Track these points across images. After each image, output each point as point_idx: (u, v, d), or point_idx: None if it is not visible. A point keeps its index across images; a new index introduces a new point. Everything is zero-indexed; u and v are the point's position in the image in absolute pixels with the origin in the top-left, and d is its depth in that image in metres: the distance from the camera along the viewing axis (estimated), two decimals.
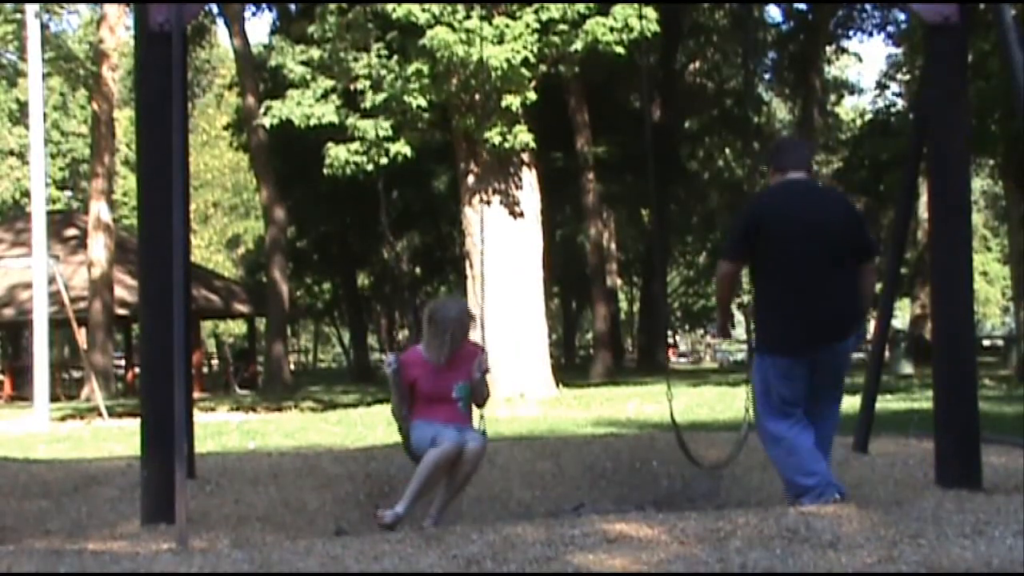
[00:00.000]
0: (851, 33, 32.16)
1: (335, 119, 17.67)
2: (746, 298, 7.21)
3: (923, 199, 16.51)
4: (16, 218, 32.24)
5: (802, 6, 29.56)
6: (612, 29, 16.02)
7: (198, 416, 10.04)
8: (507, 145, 16.91)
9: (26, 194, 30.05)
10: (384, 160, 17.29)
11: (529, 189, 18.13)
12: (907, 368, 21.53)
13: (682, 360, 45.57)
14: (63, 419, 16.73)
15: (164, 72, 5.15)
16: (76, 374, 28.67)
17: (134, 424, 7.36)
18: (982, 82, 17.56)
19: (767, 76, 35.21)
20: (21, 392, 24.49)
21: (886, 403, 11.19)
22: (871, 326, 7.62)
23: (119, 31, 25.74)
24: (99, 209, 25.23)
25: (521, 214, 17.93)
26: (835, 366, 5.26)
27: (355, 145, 17.60)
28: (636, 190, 27.48)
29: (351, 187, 21.20)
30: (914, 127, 7.25)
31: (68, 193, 43.49)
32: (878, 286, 7.58)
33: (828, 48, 32.14)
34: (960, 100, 5.86)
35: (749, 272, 5.40)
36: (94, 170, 26.08)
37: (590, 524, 4.06)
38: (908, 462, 6.39)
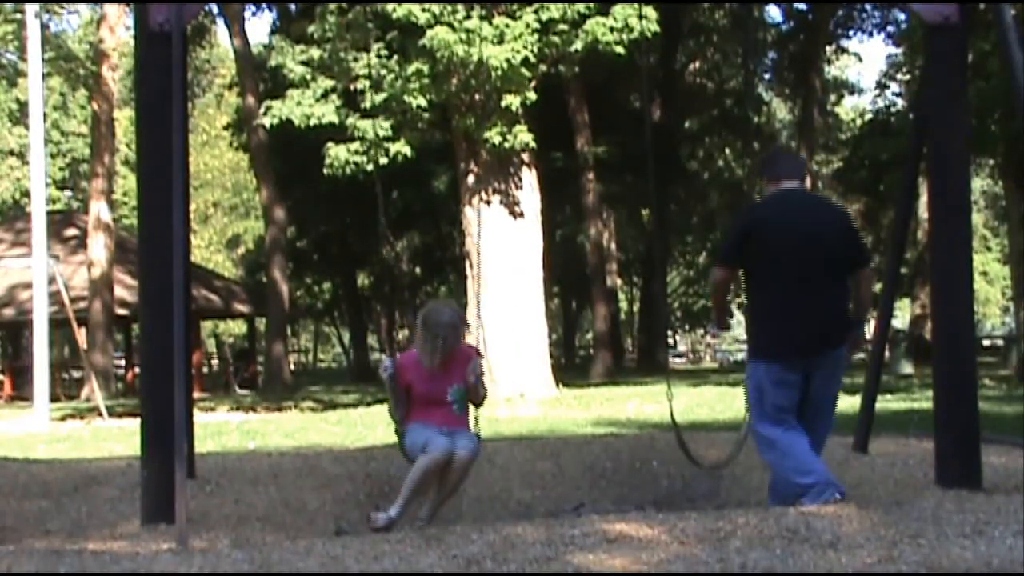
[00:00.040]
0: (851, 33, 32.17)
1: (335, 119, 17.67)
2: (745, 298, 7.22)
3: (923, 199, 16.52)
4: (16, 218, 32.24)
5: (802, 6, 29.57)
6: (612, 29, 16.03)
7: (198, 416, 10.04)
8: (507, 145, 16.91)
9: (26, 194, 30.06)
10: (384, 160, 17.29)
11: (529, 189, 18.13)
12: (907, 368, 21.53)
13: (677, 360, 45.57)
14: (63, 419, 16.72)
15: (164, 72, 5.15)
16: (76, 374, 28.67)
17: (134, 424, 7.36)
18: (982, 82, 17.56)
19: (767, 76, 35.22)
20: (21, 392, 24.49)
21: (886, 403, 11.19)
22: (871, 326, 7.62)
23: (119, 31, 25.74)
24: (99, 209, 25.23)
25: (521, 214, 17.93)
26: (828, 373, 5.30)
27: (355, 145, 17.61)
28: (636, 190, 27.48)
29: (351, 187, 21.20)
30: (914, 127, 7.24)
31: (68, 193, 43.50)
32: (878, 286, 7.58)
33: (828, 48, 32.14)
34: (960, 100, 5.86)
35: (744, 279, 5.43)
36: (94, 170, 26.08)
37: (590, 524, 4.06)
38: (908, 462, 6.39)
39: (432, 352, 5.60)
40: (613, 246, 33.29)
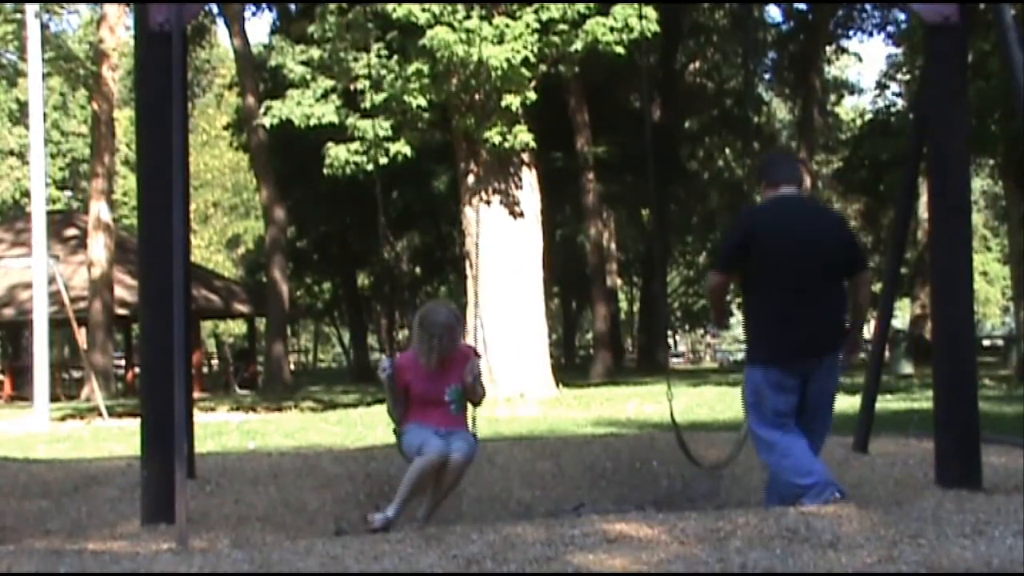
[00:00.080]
0: (851, 33, 32.18)
1: (335, 119, 17.68)
2: (742, 303, 7.24)
3: (923, 199, 16.51)
4: (16, 218, 32.24)
5: (802, 6, 29.58)
6: (612, 29, 16.03)
7: (198, 416, 10.04)
8: (507, 145, 16.91)
9: (26, 194, 30.06)
10: (384, 160, 17.29)
11: (529, 189, 18.13)
12: (907, 368, 21.54)
13: (675, 360, 45.57)
14: (63, 419, 16.72)
15: (164, 72, 5.15)
16: (76, 374, 28.67)
17: (134, 424, 7.36)
18: (982, 82, 17.56)
19: (767, 76, 35.24)
20: (21, 392, 24.49)
21: (886, 403, 11.19)
22: (871, 326, 7.62)
23: (119, 31, 25.74)
24: (99, 209, 25.23)
25: (521, 214, 17.93)
26: (825, 377, 5.32)
27: (355, 145, 17.62)
28: (636, 190, 27.49)
29: (351, 187, 21.20)
30: (914, 127, 7.25)
31: (68, 193, 43.50)
32: (877, 286, 7.59)
33: (828, 48, 32.14)
34: (960, 100, 5.86)
35: (741, 284, 5.45)
36: (94, 170, 26.08)
37: (590, 524, 4.06)
38: (908, 462, 6.40)
39: (429, 352, 5.62)
40: (613, 246, 33.29)
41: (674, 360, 45.42)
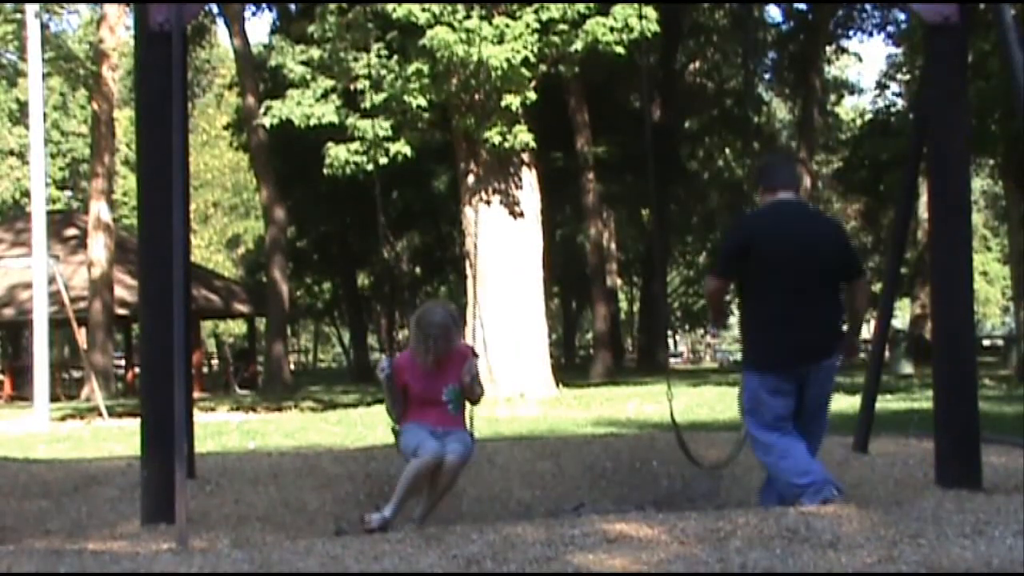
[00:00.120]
0: (851, 33, 32.17)
1: (335, 119, 17.67)
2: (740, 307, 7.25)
3: (923, 199, 16.51)
4: (16, 218, 32.23)
5: (802, 6, 29.58)
6: (612, 29, 16.03)
7: (198, 416, 10.04)
8: (507, 145, 16.91)
9: (26, 194, 30.06)
10: (384, 160, 17.29)
11: (529, 189, 18.13)
12: (907, 368, 21.54)
13: (674, 360, 45.56)
14: (63, 419, 16.72)
15: (164, 72, 5.15)
16: (76, 374, 28.66)
17: (134, 424, 7.36)
18: (982, 82, 17.56)
19: (767, 76, 35.23)
20: (21, 392, 24.49)
21: (886, 403, 11.19)
22: (871, 326, 7.63)
23: (119, 31, 25.74)
24: (99, 209, 25.23)
25: (521, 214, 17.93)
26: (822, 381, 5.35)
27: (355, 145, 17.61)
28: (636, 190, 27.48)
29: (351, 187, 21.20)
30: (914, 127, 7.25)
31: (68, 193, 43.50)
32: (877, 286, 7.58)
33: (828, 48, 32.14)
34: (960, 100, 5.86)
35: (737, 289, 5.47)
36: (94, 170, 26.08)
37: (590, 524, 4.06)
38: (908, 462, 6.40)
39: (425, 352, 5.64)
40: (613, 246, 33.30)
41: (672, 360, 45.43)
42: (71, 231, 28.50)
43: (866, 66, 60.37)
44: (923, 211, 20.87)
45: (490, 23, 15.89)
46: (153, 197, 5.41)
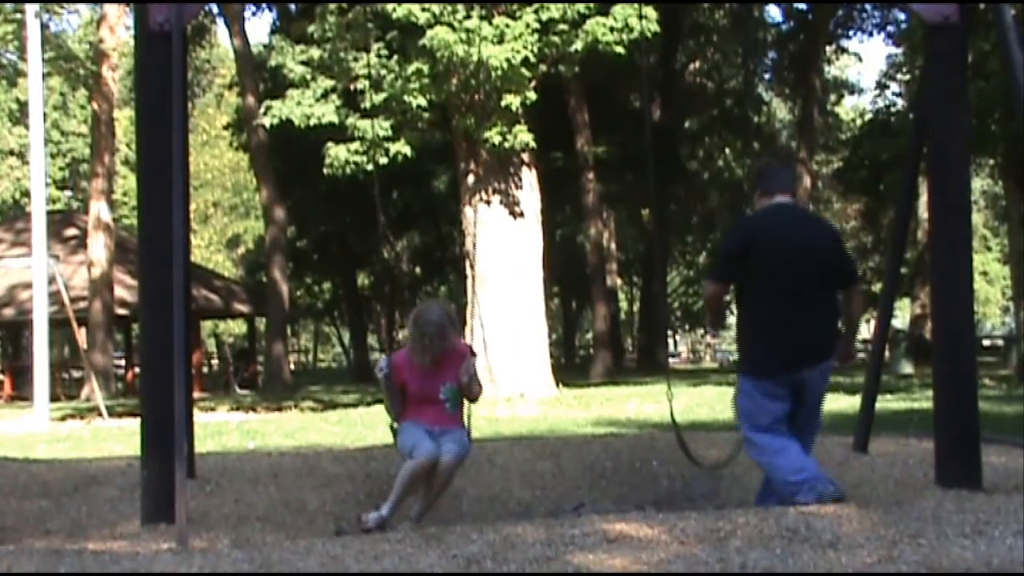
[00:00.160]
0: (851, 33, 32.16)
1: (335, 119, 17.67)
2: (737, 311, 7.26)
3: (923, 199, 16.52)
4: (16, 218, 32.23)
5: (802, 6, 29.57)
6: (612, 29, 16.03)
7: (198, 416, 10.04)
8: (507, 145, 16.91)
9: (26, 194, 30.07)
10: (384, 160, 17.29)
11: (529, 189, 18.13)
12: (907, 368, 21.54)
13: (672, 360, 45.55)
14: (63, 419, 16.72)
15: (164, 72, 5.15)
16: (76, 374, 28.66)
17: (134, 424, 7.36)
18: (982, 82, 17.56)
19: (767, 76, 35.22)
20: (21, 392, 24.49)
21: (886, 403, 11.19)
22: (871, 326, 7.63)
23: (119, 31, 25.74)
24: (99, 209, 25.23)
25: (521, 214, 17.93)
26: (817, 384, 5.39)
27: (355, 145, 17.61)
28: (636, 190, 27.49)
29: (351, 187, 21.20)
30: (914, 127, 7.24)
31: (68, 193, 43.50)
32: (877, 286, 7.58)
33: (828, 48, 32.14)
34: (960, 100, 5.86)
35: (736, 292, 5.48)
36: (94, 170, 26.07)
37: (590, 524, 4.06)
38: (908, 462, 6.40)
39: (422, 351, 5.64)
40: (613, 246, 33.30)
41: (672, 359, 45.43)
42: (71, 231, 28.50)
43: (866, 66, 60.52)
44: (923, 211, 20.87)
45: (490, 23, 15.89)
46: (153, 197, 5.41)
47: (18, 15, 25.14)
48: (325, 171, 18.18)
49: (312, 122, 17.82)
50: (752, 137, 31.22)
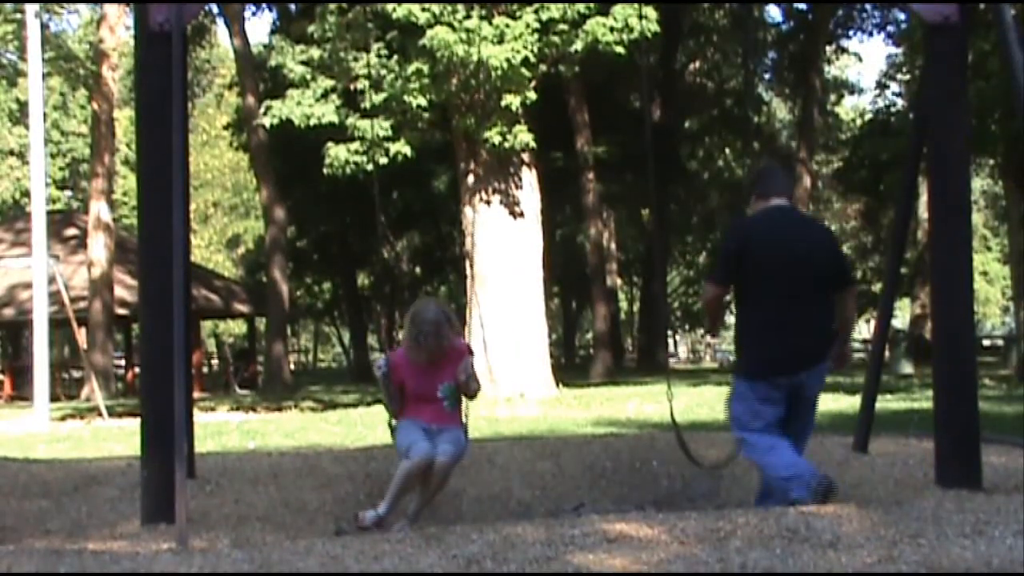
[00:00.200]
0: (851, 33, 32.17)
1: (335, 119, 17.67)
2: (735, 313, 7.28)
3: (923, 199, 16.52)
4: (16, 218, 32.24)
5: (802, 6, 29.57)
6: (612, 29, 16.03)
7: (198, 416, 10.04)
8: (507, 145, 16.91)
9: (26, 194, 30.07)
10: (384, 160, 17.29)
11: (529, 189, 18.13)
12: (907, 368, 21.54)
13: (671, 360, 45.56)
14: (63, 419, 16.72)
15: (164, 72, 5.15)
16: (76, 374, 28.67)
17: (134, 424, 7.36)
18: (982, 82, 17.57)
19: (767, 76, 35.23)
20: (21, 392, 24.49)
21: (886, 403, 11.19)
22: (870, 327, 7.64)
23: (119, 31, 25.74)
24: (99, 209, 25.23)
25: (521, 214, 17.93)
26: (812, 386, 5.41)
27: (355, 145, 17.61)
28: (636, 190, 27.49)
29: (351, 187, 21.20)
30: (914, 127, 7.24)
31: (68, 193, 43.51)
32: (877, 286, 7.59)
33: (828, 48, 32.14)
34: (960, 100, 5.85)
35: (734, 294, 5.49)
36: (94, 170, 26.08)
37: (590, 524, 4.06)
38: (908, 462, 6.40)
39: (418, 350, 5.64)
40: (613, 246, 33.30)
41: (671, 360, 45.43)
42: (71, 231, 28.51)
43: (866, 66, 60.53)
44: (923, 211, 20.88)
45: (490, 23, 15.89)
46: (153, 197, 5.41)
47: (18, 15, 25.14)
48: (325, 171, 18.18)
49: (312, 122, 17.82)
50: (752, 137, 31.23)
